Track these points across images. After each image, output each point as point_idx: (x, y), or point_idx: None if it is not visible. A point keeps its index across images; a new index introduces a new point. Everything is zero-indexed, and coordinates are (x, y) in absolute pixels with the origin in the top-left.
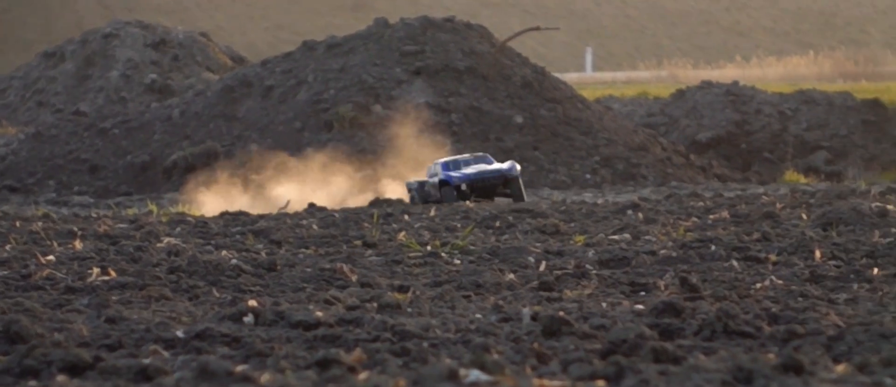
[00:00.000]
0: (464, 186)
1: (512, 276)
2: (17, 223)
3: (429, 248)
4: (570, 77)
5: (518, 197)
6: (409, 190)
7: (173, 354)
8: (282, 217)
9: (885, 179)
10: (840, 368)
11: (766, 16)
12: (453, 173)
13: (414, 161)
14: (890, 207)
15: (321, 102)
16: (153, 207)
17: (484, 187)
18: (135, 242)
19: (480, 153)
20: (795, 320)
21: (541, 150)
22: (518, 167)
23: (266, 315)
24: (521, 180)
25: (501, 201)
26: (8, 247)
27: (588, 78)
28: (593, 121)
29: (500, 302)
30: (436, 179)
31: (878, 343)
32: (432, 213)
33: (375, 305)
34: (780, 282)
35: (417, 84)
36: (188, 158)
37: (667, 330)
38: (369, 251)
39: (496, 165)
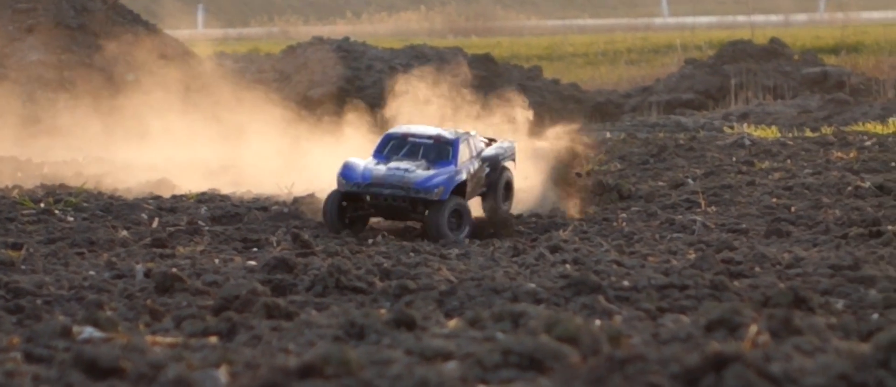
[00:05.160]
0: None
1: (125, 233)
2: None
3: (42, 205)
4: (181, 34)
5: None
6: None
7: None
8: None
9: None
10: (452, 323)
11: None
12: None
13: (24, 119)
14: None
15: None
16: None
17: (391, 207)
18: None
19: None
20: (407, 276)
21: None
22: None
23: None
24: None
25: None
26: None
27: (199, 35)
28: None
29: (114, 259)
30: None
31: (490, 298)
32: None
33: None
34: (392, 238)
35: (29, 42)
36: None
37: (279, 286)
38: None
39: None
